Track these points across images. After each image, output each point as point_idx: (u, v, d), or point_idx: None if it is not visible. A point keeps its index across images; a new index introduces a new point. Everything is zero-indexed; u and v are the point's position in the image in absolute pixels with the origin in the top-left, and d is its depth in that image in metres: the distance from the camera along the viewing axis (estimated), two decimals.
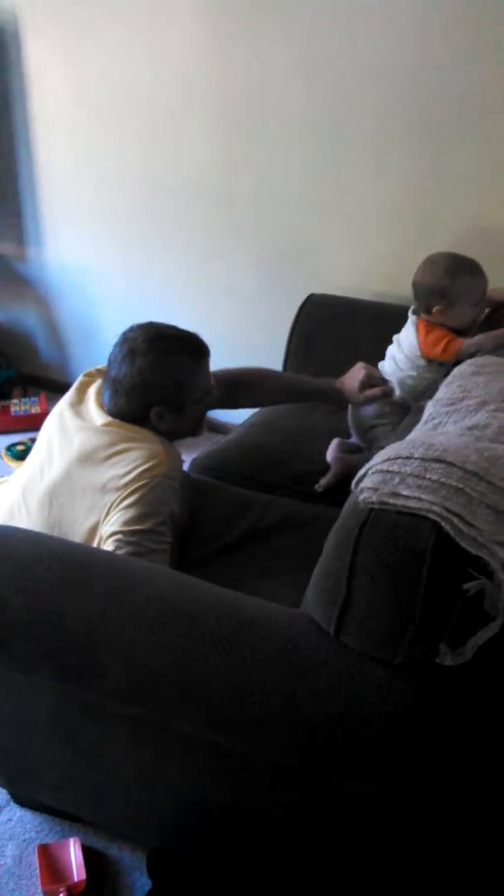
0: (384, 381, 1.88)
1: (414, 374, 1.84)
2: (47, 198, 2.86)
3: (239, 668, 0.96)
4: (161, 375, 1.47)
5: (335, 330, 2.23)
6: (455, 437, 1.03)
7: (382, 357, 1.94)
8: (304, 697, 0.93)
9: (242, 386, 1.85)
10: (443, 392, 1.23)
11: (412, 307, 1.87)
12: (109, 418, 1.48)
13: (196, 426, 1.60)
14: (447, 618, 0.87)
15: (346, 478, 1.85)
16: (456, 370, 1.33)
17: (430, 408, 1.20)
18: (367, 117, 2.14)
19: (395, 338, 1.92)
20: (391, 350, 1.93)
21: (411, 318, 1.86)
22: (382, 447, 1.80)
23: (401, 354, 1.87)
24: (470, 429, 1.06)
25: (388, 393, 1.87)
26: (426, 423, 1.15)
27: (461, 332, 1.79)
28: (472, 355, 1.67)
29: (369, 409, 1.91)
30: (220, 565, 1.55)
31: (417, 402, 1.79)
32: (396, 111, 2.09)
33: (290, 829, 1.11)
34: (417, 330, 1.82)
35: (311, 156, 2.28)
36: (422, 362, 1.82)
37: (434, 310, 1.78)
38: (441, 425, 1.11)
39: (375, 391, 1.86)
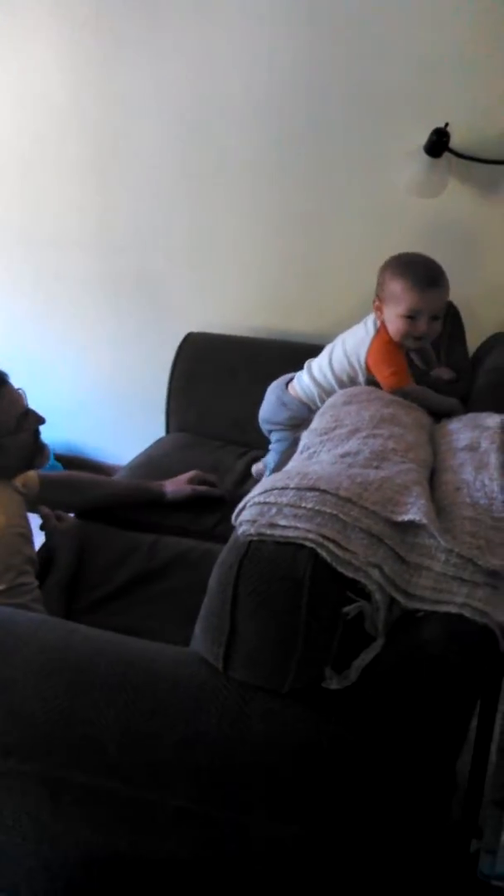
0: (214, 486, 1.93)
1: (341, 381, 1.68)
2: None
3: (129, 712, 0.95)
4: None
5: (214, 365, 2.27)
6: (329, 465, 1.06)
7: (260, 391, 1.94)
8: (196, 736, 0.93)
9: (61, 482, 1.82)
10: (317, 422, 1.26)
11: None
12: None
13: (27, 456, 1.52)
14: (330, 642, 0.89)
15: None
16: (329, 401, 1.38)
17: (304, 438, 1.23)
18: (236, 156, 2.19)
19: (339, 338, 1.76)
20: (319, 358, 1.78)
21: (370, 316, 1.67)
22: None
23: (340, 357, 1.70)
24: (343, 456, 1.09)
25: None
26: (301, 452, 1.18)
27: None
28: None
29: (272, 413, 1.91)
30: (111, 610, 1.52)
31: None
32: (263, 149, 2.15)
33: (201, 873, 1.10)
34: (376, 332, 1.64)
35: (181, 198, 2.31)
36: (359, 371, 1.66)
37: (374, 301, 1.63)
38: (316, 454, 1.14)
39: (201, 488, 1.90)
